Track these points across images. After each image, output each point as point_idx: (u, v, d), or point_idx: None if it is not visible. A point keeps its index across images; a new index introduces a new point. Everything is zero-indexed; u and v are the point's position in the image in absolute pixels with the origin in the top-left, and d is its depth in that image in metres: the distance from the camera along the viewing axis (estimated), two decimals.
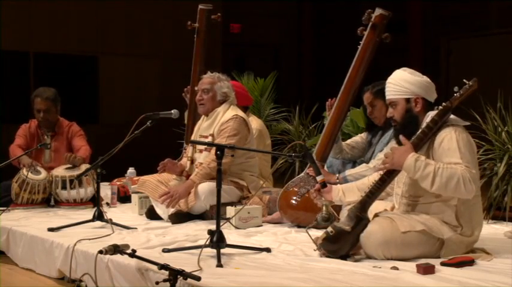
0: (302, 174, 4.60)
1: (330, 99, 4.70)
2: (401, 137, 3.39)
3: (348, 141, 4.82)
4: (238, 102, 5.08)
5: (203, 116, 4.88)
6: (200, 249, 3.28)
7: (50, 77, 6.21)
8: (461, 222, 3.34)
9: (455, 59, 10.84)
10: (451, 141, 3.26)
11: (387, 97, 3.54)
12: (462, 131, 3.33)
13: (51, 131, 5.64)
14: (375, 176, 3.52)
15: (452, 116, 3.33)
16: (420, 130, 3.32)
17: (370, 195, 3.35)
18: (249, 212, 4.40)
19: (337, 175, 4.44)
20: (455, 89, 3.24)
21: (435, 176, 3.17)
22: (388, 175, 3.34)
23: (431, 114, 3.36)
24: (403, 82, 3.45)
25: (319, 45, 12.86)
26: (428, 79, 3.49)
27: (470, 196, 3.23)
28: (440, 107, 3.29)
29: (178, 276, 2.81)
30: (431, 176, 3.18)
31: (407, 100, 3.45)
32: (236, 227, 4.30)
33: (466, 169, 3.18)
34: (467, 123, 3.42)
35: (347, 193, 3.64)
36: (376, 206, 3.54)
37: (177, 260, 3.21)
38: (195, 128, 4.96)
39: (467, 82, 3.23)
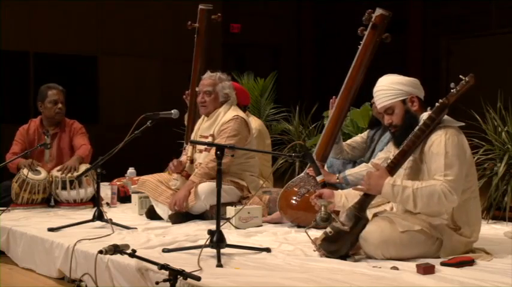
0: (302, 174, 4.60)
1: (333, 97, 4.69)
2: (372, 162, 3.39)
3: (348, 141, 4.82)
4: (239, 101, 5.08)
5: (203, 115, 4.88)
6: (200, 249, 3.28)
7: (50, 77, 6.18)
8: (459, 223, 3.34)
9: (455, 59, 10.84)
10: (440, 146, 3.24)
11: (381, 105, 3.47)
12: (454, 133, 3.29)
13: (55, 126, 5.60)
14: None
15: (446, 117, 3.32)
16: (417, 127, 3.30)
17: (368, 194, 3.34)
18: (249, 212, 4.40)
19: (337, 175, 4.43)
20: (452, 85, 3.23)
21: (415, 197, 3.18)
22: None
23: (425, 115, 3.36)
24: (395, 85, 3.44)
25: (319, 45, 12.86)
26: (413, 78, 3.49)
27: (454, 205, 3.24)
28: (437, 104, 3.28)
29: (178, 276, 2.81)
30: (411, 199, 3.19)
31: (403, 102, 3.44)
32: (236, 227, 4.30)
33: (444, 180, 3.17)
34: (462, 123, 3.40)
35: (350, 197, 3.61)
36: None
37: (177, 260, 3.22)
38: (195, 128, 4.96)
39: (463, 78, 3.23)
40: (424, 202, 3.18)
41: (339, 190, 3.74)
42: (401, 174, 3.40)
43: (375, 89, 3.52)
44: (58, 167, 5.34)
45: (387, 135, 4.41)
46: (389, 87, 3.44)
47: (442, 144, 3.24)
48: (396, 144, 3.48)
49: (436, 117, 3.27)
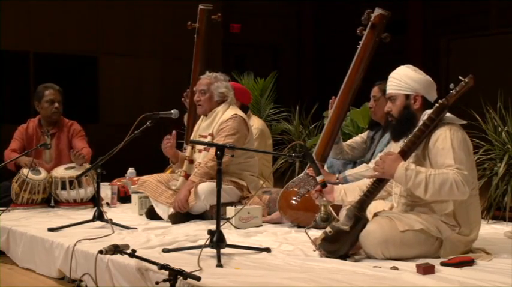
0: (302, 174, 4.60)
1: (333, 97, 4.70)
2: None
3: (348, 141, 4.83)
4: (241, 101, 5.14)
5: (202, 115, 4.89)
6: (200, 249, 3.28)
7: (50, 77, 6.19)
8: (460, 221, 3.34)
9: (455, 59, 10.84)
10: (446, 140, 3.26)
11: (388, 91, 3.55)
12: (457, 129, 3.33)
13: (53, 126, 5.60)
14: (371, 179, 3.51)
15: (448, 115, 3.34)
16: (417, 128, 3.32)
17: (368, 194, 3.34)
18: (249, 212, 4.40)
19: (337, 175, 4.44)
20: (451, 86, 3.25)
21: (427, 183, 3.18)
22: None
23: (428, 112, 3.37)
24: (406, 78, 3.47)
25: (319, 45, 12.86)
26: (430, 78, 3.50)
27: (464, 197, 3.23)
28: (436, 105, 3.29)
29: (178, 276, 2.81)
30: (423, 184, 3.18)
31: (407, 96, 3.46)
32: (236, 227, 4.30)
33: (458, 171, 3.17)
34: (464, 122, 3.43)
35: (348, 192, 3.64)
36: (375, 206, 3.54)
37: (177, 260, 3.21)
38: (195, 128, 4.96)
39: (462, 79, 3.24)
40: (436, 189, 3.16)
41: (339, 185, 3.75)
42: None
43: (390, 74, 3.57)
44: (64, 165, 5.33)
45: (387, 136, 4.41)
46: (400, 78, 3.49)
47: (448, 139, 3.25)
48: (392, 135, 3.56)
49: (435, 118, 3.28)
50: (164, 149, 4.88)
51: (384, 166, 3.27)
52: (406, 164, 3.23)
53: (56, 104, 5.55)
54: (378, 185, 3.34)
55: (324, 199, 3.67)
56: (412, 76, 3.47)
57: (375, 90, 4.55)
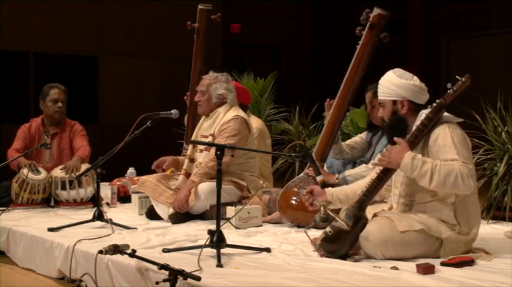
0: (302, 174, 4.60)
1: (328, 100, 4.71)
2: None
3: (348, 141, 4.83)
4: (240, 101, 5.13)
5: (204, 116, 4.89)
6: (200, 249, 3.28)
7: (50, 77, 6.19)
8: (459, 220, 3.34)
9: (455, 59, 10.84)
10: (446, 138, 3.27)
11: (378, 97, 3.60)
12: (456, 127, 3.34)
13: (55, 126, 5.61)
14: (369, 179, 3.51)
15: (445, 114, 3.35)
16: (415, 128, 3.34)
17: (367, 194, 3.35)
18: (249, 212, 4.40)
19: (337, 175, 4.44)
20: (449, 85, 3.26)
21: (433, 173, 3.18)
22: (385, 173, 3.35)
23: (425, 112, 3.37)
24: (390, 85, 3.49)
25: (319, 45, 12.85)
26: (418, 82, 3.48)
27: (469, 191, 3.24)
28: (434, 104, 3.30)
29: (178, 276, 2.81)
30: (429, 174, 3.19)
31: (394, 102, 3.48)
32: (236, 227, 4.30)
33: (464, 164, 3.19)
34: (461, 120, 3.43)
35: (341, 197, 3.63)
36: (374, 206, 3.55)
37: (177, 260, 3.22)
38: (196, 128, 4.96)
39: (460, 79, 3.25)
40: (441, 179, 3.17)
41: (330, 188, 3.74)
42: (402, 174, 3.41)
43: (379, 80, 3.59)
44: (60, 167, 5.35)
45: None
46: (384, 85, 3.52)
47: (448, 136, 3.27)
48: (387, 139, 3.60)
49: (433, 118, 3.29)
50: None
51: (391, 155, 3.28)
52: (412, 154, 3.24)
53: (60, 104, 5.56)
54: (378, 184, 3.35)
55: (315, 202, 3.65)
56: (396, 82, 3.47)
57: (369, 96, 4.56)
